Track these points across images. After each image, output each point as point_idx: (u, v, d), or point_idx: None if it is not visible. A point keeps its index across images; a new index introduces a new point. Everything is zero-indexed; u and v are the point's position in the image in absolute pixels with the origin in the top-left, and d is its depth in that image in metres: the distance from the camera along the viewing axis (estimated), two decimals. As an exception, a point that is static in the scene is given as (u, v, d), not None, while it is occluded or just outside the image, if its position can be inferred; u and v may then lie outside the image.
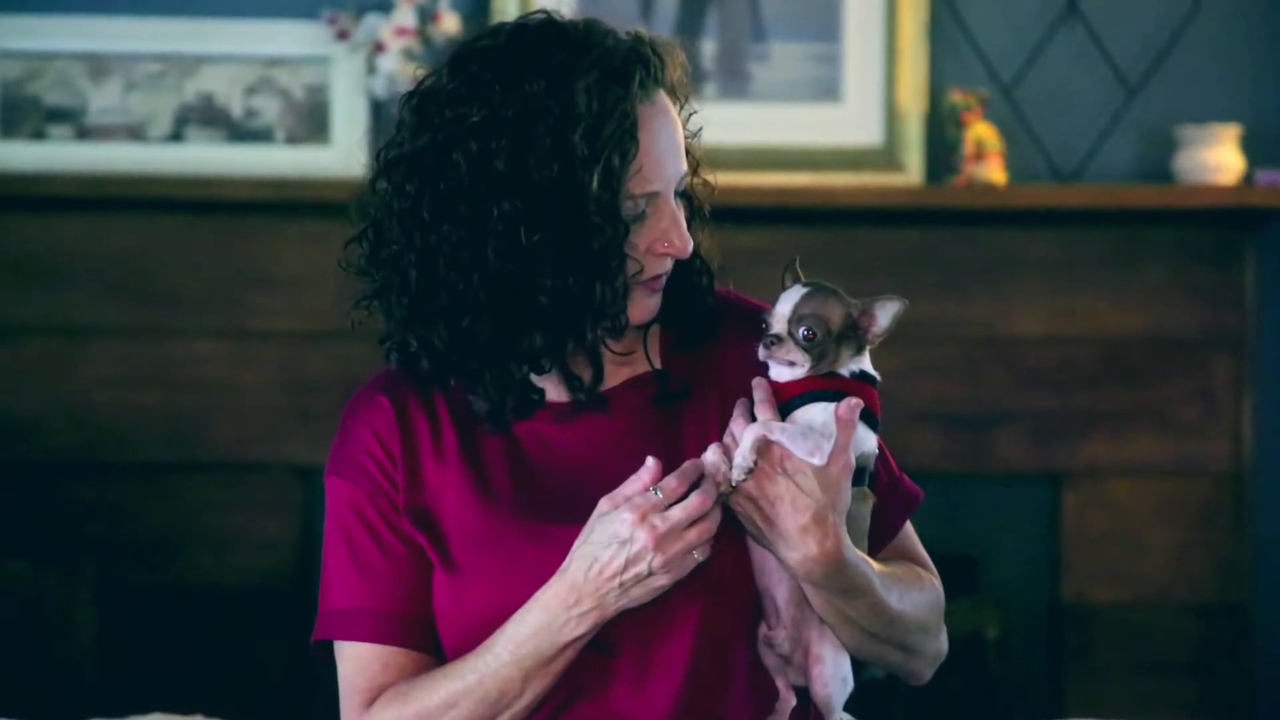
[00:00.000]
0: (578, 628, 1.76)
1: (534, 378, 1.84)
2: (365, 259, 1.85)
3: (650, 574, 1.73)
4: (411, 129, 1.81)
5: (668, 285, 1.87)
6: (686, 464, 1.75)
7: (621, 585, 1.74)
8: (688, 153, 1.86)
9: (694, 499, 1.73)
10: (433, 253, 1.79)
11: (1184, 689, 3.95)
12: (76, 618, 3.75)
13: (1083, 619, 3.95)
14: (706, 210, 1.91)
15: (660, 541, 1.72)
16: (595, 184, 1.75)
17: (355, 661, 1.85)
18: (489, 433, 1.86)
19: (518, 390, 1.83)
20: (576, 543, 1.76)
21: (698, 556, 1.75)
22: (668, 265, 1.83)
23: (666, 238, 1.81)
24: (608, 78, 1.77)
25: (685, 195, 1.87)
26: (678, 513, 1.73)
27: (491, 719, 1.79)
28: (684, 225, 1.82)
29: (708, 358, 1.90)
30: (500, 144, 1.76)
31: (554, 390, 1.87)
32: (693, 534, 1.73)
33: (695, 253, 1.88)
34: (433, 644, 1.85)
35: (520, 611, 1.78)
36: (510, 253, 1.76)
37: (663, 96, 1.82)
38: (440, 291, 1.79)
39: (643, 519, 1.72)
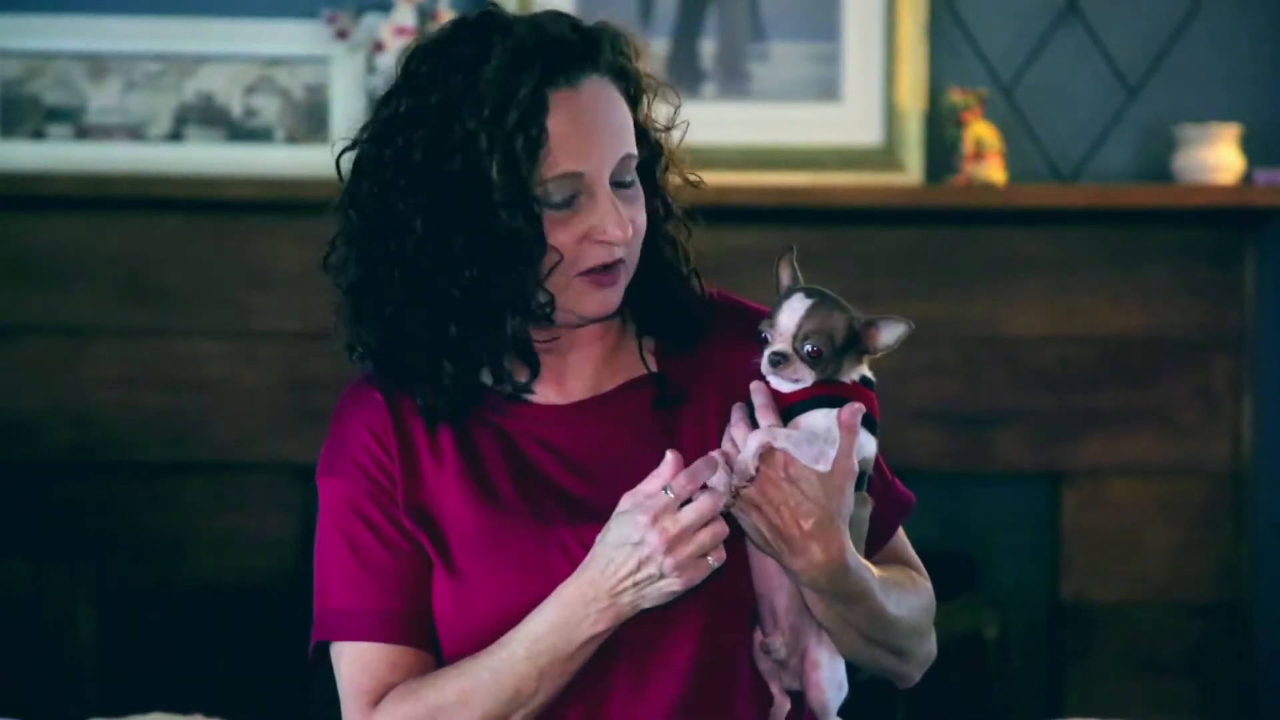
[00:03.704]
0: (595, 625, 1.75)
1: (532, 384, 1.85)
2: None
3: (663, 576, 1.72)
4: (361, 130, 1.83)
5: (643, 289, 1.86)
6: (698, 462, 1.73)
7: (635, 585, 1.73)
8: (654, 145, 1.85)
9: (704, 500, 1.71)
10: (365, 250, 1.80)
11: (1184, 689, 3.95)
12: (76, 618, 3.75)
13: (1082, 619, 3.95)
14: (675, 207, 1.88)
15: (671, 544, 1.71)
16: (495, 171, 1.74)
17: (360, 660, 1.83)
18: (486, 434, 1.85)
19: (450, 385, 1.81)
20: (598, 538, 1.75)
21: (712, 562, 1.73)
22: (612, 255, 1.79)
23: (601, 226, 1.78)
24: (512, 63, 1.76)
25: (658, 190, 1.85)
26: (688, 514, 1.71)
27: (505, 717, 1.78)
28: (620, 212, 1.78)
29: (701, 360, 1.88)
30: (418, 136, 1.77)
31: (553, 393, 1.87)
32: (704, 536, 1.72)
33: (662, 252, 1.87)
34: (434, 643, 1.84)
35: (538, 609, 1.77)
36: (424, 245, 1.77)
37: (594, 81, 1.79)
38: (370, 289, 1.80)
39: (654, 521, 1.71)
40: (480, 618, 1.80)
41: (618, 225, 1.77)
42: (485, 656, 1.78)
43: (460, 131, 1.75)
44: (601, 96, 1.79)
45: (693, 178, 1.90)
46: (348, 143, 1.84)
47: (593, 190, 1.78)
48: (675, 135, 1.89)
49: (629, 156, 1.80)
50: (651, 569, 1.72)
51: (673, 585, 1.73)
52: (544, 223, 1.77)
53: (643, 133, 1.85)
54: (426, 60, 1.80)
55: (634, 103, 1.84)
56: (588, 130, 1.77)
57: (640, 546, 1.72)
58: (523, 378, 1.84)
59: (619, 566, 1.73)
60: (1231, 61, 3.98)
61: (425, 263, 1.77)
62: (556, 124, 1.76)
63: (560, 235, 1.78)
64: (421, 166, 1.77)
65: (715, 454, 1.75)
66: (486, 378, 1.86)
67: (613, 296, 1.81)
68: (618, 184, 1.80)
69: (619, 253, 1.79)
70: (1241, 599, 3.95)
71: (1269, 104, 3.98)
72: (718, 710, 1.81)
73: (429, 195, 1.77)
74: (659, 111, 1.88)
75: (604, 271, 1.79)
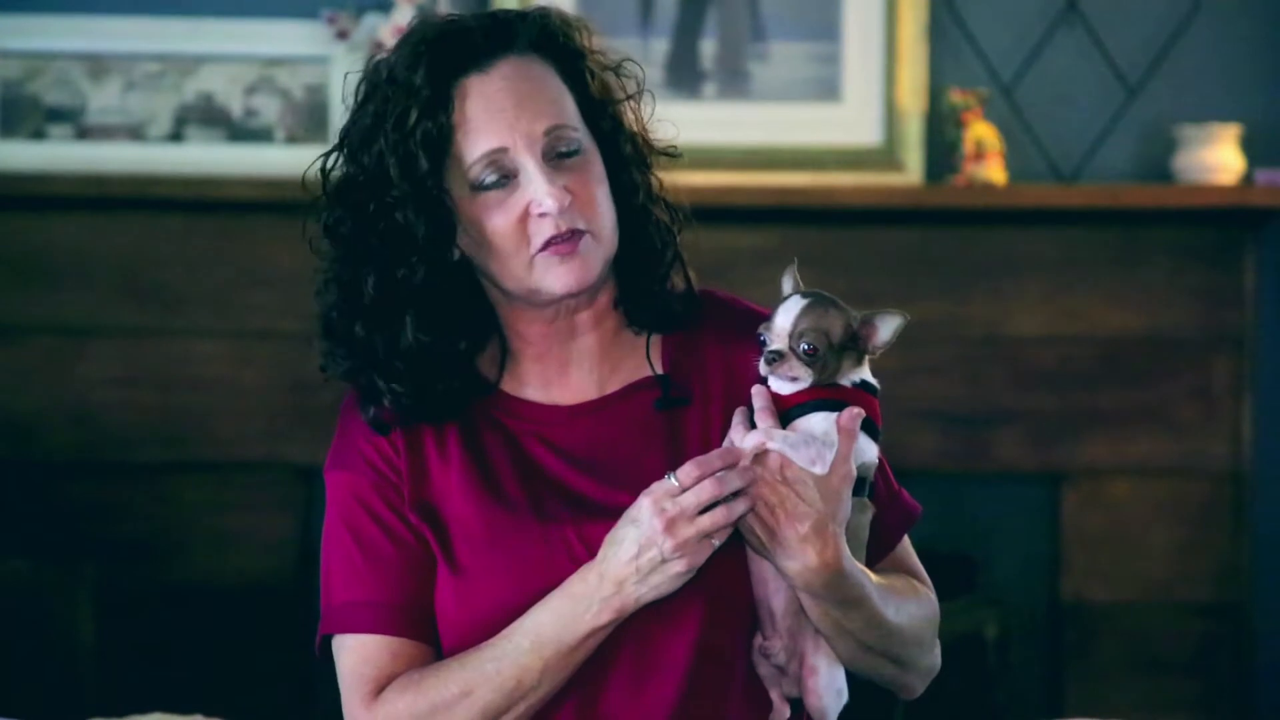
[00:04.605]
0: (599, 616, 1.76)
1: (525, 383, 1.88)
2: None
3: (665, 560, 1.73)
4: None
5: (627, 275, 1.87)
6: (712, 453, 1.74)
7: (638, 570, 1.74)
8: (614, 118, 1.85)
9: (706, 484, 1.72)
10: (326, 265, 1.86)
11: (1184, 689, 3.95)
12: (76, 617, 3.75)
13: (1082, 619, 3.95)
14: (655, 190, 1.89)
15: (670, 525, 1.72)
16: (394, 170, 1.78)
17: (362, 651, 1.84)
18: (492, 433, 1.86)
19: (398, 395, 1.83)
20: (609, 533, 1.77)
21: (715, 542, 1.74)
22: (557, 226, 1.79)
23: (536, 198, 1.79)
24: (408, 63, 1.79)
25: (626, 165, 1.86)
26: (689, 498, 1.72)
27: (506, 709, 1.78)
28: (553, 181, 1.79)
29: (706, 362, 1.89)
30: (354, 150, 1.82)
31: (559, 393, 1.88)
32: (705, 520, 1.72)
33: (637, 232, 1.87)
34: (436, 637, 1.85)
35: (543, 601, 1.78)
36: (348, 256, 1.82)
37: (509, 62, 1.81)
38: (325, 305, 1.85)
39: (655, 504, 1.73)
40: (482, 614, 1.81)
41: (550, 195, 1.78)
42: (488, 648, 1.79)
43: (374, 138, 1.79)
44: (517, 75, 1.81)
45: (669, 149, 1.90)
46: (315, 164, 1.87)
47: (522, 165, 1.79)
48: (646, 112, 1.90)
49: (561, 127, 1.81)
50: (653, 552, 1.73)
51: (676, 567, 1.73)
52: (478, 210, 1.80)
53: (598, 107, 1.85)
54: (366, 76, 1.84)
55: (578, 80, 1.85)
56: (502, 107, 1.79)
57: (641, 529, 1.73)
58: (491, 373, 1.87)
59: (623, 553, 1.74)
60: (1231, 61, 3.98)
61: (345, 273, 1.82)
62: (469, 110, 1.79)
63: (500, 217, 1.80)
64: (349, 178, 1.82)
65: (717, 453, 1.75)
66: (492, 375, 1.87)
67: (579, 268, 1.81)
68: (558, 155, 1.81)
69: (567, 222, 1.79)
70: (1241, 599, 3.95)
71: (1269, 104, 3.98)
72: (713, 712, 1.81)
73: (351, 206, 1.81)
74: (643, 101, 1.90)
75: (561, 243, 1.80)
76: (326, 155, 1.85)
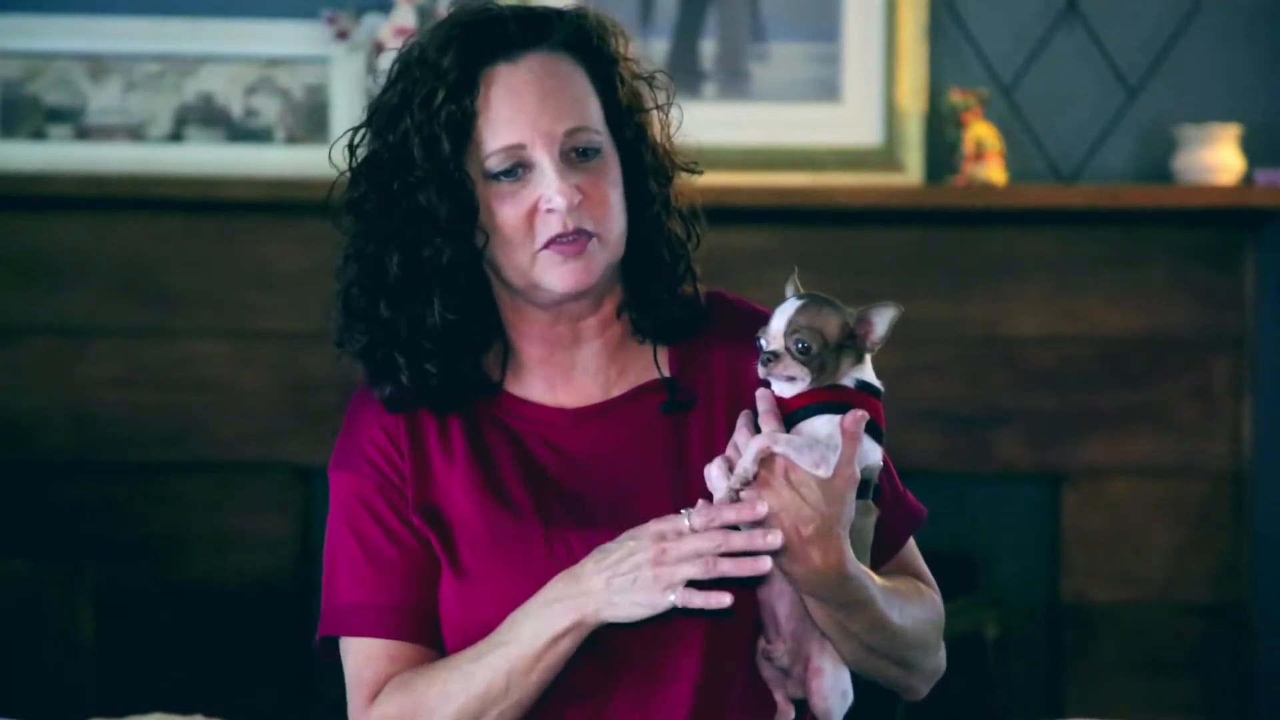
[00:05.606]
0: (560, 617, 1.74)
1: (526, 381, 1.88)
2: None
3: (635, 584, 1.71)
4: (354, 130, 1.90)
5: (635, 285, 1.87)
6: (727, 505, 1.72)
7: (609, 582, 1.73)
8: (639, 126, 1.85)
9: (705, 537, 1.71)
10: (346, 245, 1.87)
11: (1184, 689, 3.95)
12: (76, 617, 3.75)
13: (1082, 619, 3.95)
14: (673, 200, 1.88)
15: (660, 557, 1.71)
16: (418, 151, 1.79)
17: (364, 654, 1.85)
18: (497, 435, 1.86)
19: (411, 378, 1.84)
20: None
21: (671, 599, 1.71)
22: (564, 224, 1.80)
23: (546, 195, 1.79)
24: (440, 46, 1.80)
25: (646, 173, 1.85)
26: (689, 544, 1.71)
27: (479, 714, 1.78)
28: (565, 180, 1.79)
29: (711, 365, 1.89)
30: (380, 129, 1.83)
31: (564, 395, 1.88)
32: (687, 566, 1.71)
33: (649, 241, 1.86)
34: (438, 639, 1.85)
35: (524, 604, 1.78)
36: (371, 233, 1.82)
37: (538, 56, 1.81)
38: (345, 283, 1.86)
39: (659, 533, 1.72)
40: (484, 617, 1.81)
41: (560, 192, 1.79)
42: (471, 650, 1.80)
43: (401, 117, 1.80)
44: (544, 70, 1.81)
45: (691, 164, 1.90)
46: (342, 139, 1.88)
47: (537, 160, 1.80)
48: (673, 125, 1.90)
49: (582, 129, 1.81)
50: (632, 573, 1.72)
51: (637, 596, 1.72)
52: (490, 198, 1.80)
53: (623, 114, 1.85)
54: (400, 56, 1.84)
55: (608, 84, 1.84)
56: (525, 102, 1.80)
57: (635, 547, 1.72)
58: (495, 374, 1.87)
59: (606, 560, 1.73)
60: (1231, 61, 3.98)
61: (369, 249, 1.82)
62: (493, 98, 1.79)
63: (510, 209, 1.80)
64: (373, 155, 1.82)
65: (718, 460, 1.75)
66: (496, 375, 1.87)
67: (581, 269, 1.81)
68: (576, 155, 1.81)
69: (574, 221, 1.79)
70: (1241, 599, 3.95)
71: (1269, 104, 3.98)
72: (719, 715, 1.81)
73: (376, 184, 1.81)
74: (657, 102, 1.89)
75: (567, 243, 1.80)
76: (355, 131, 1.85)
